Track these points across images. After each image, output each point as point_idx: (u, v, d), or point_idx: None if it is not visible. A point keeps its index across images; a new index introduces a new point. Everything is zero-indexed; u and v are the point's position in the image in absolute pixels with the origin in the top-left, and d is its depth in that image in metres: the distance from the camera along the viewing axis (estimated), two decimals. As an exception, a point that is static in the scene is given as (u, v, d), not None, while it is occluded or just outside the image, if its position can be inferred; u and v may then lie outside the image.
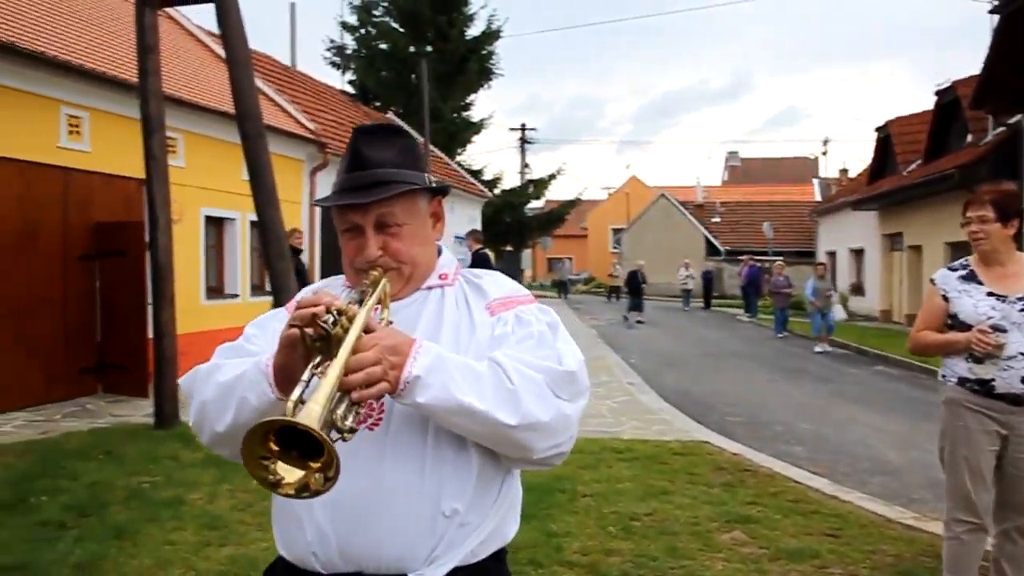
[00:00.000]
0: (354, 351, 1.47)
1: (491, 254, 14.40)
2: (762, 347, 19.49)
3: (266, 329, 1.86)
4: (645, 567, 4.83)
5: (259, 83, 13.27)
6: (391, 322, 1.69)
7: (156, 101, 8.85)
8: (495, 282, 1.88)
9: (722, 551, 5.12)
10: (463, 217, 26.95)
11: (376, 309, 1.68)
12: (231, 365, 1.73)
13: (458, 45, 33.12)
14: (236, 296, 14.20)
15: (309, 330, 1.49)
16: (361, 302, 1.63)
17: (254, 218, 8.69)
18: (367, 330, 1.54)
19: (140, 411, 9.58)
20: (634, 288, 25.54)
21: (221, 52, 16.09)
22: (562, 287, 40.84)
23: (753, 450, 8.12)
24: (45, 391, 10.08)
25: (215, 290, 13.97)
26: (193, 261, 12.73)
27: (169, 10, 14.68)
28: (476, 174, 33.89)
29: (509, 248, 39.06)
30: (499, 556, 1.80)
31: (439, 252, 1.90)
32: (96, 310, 10.95)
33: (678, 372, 14.71)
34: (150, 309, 9.60)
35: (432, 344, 1.61)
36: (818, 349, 18.37)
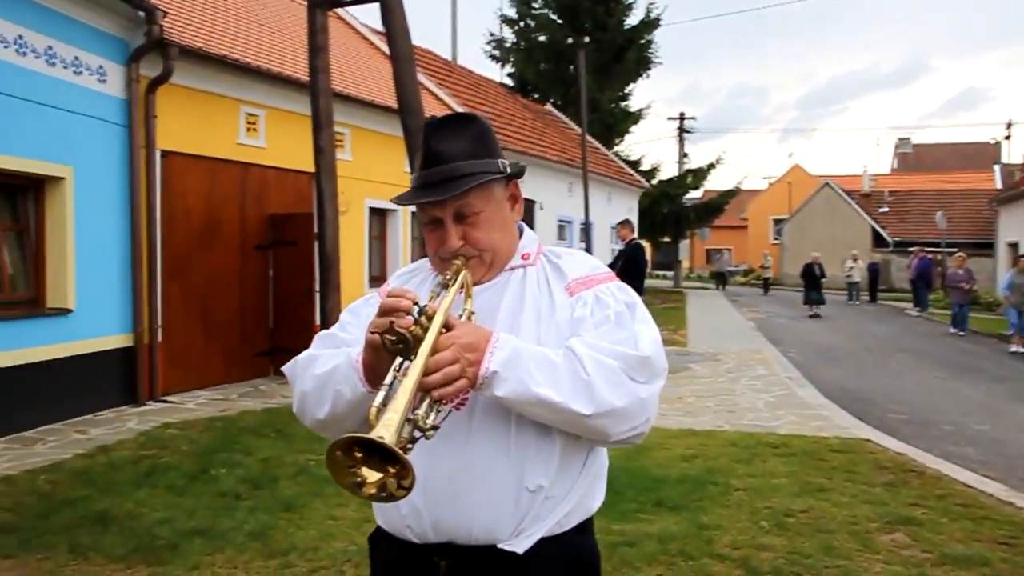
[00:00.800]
0: (433, 351, 1.54)
1: (645, 244, 14.28)
2: (933, 343, 18.45)
3: (360, 315, 1.95)
4: (798, 564, 4.73)
5: (421, 78, 13.67)
6: (472, 313, 1.75)
7: (325, 98, 9.27)
8: (575, 261, 1.90)
9: (881, 552, 4.94)
10: (621, 208, 26.85)
11: (460, 295, 1.75)
12: (326, 356, 1.83)
13: (616, 35, 32.91)
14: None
15: (389, 335, 1.56)
16: (446, 287, 1.72)
17: (415, 209, 8.96)
18: (446, 327, 1.61)
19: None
20: (811, 281, 24.73)
21: (385, 49, 16.70)
22: (720, 278, 39.98)
23: (919, 450, 7.75)
24: (224, 372, 10.80)
25: (378, 279, 14.52)
26: (358, 250, 13.29)
27: (338, 10, 15.32)
28: (634, 164, 33.63)
29: (666, 239, 38.57)
30: (585, 527, 1.84)
31: (521, 232, 1.94)
32: (269, 297, 11.63)
33: (839, 367, 14.17)
34: (317, 296, 10.12)
35: (509, 337, 1.67)
36: (1013, 349, 16.85)
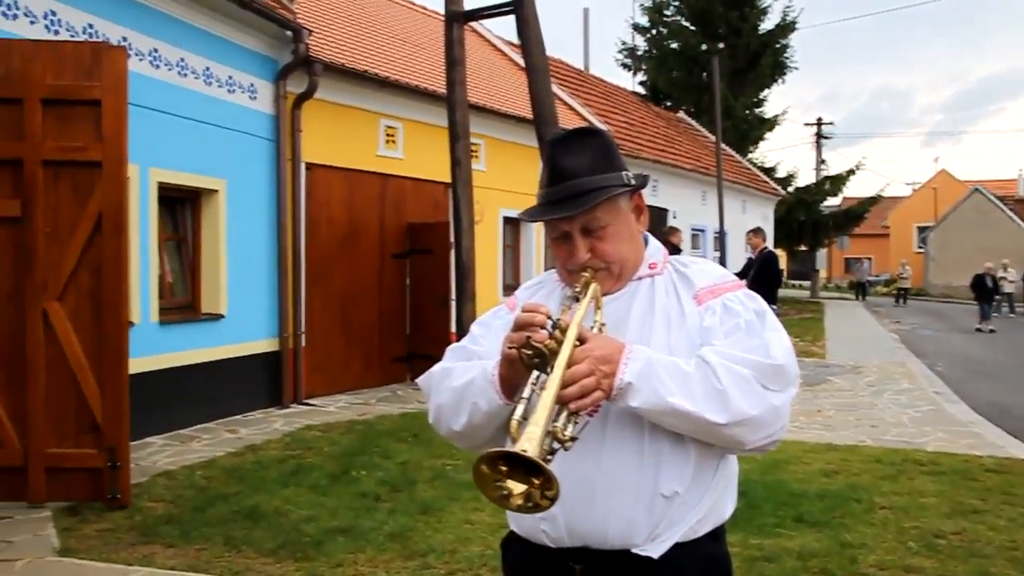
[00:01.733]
0: (568, 364, 1.57)
1: (779, 253, 13.90)
2: (1099, 359, 17.23)
3: (490, 327, 1.98)
4: (950, 588, 4.53)
5: (554, 88, 13.79)
6: (603, 324, 1.76)
7: (461, 110, 9.48)
8: (702, 270, 1.90)
9: (1043, 580, 4.67)
10: (755, 216, 26.26)
11: (590, 307, 1.77)
12: (460, 369, 1.87)
13: (751, 40, 32.24)
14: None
15: (525, 350, 1.59)
16: (576, 300, 1.75)
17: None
18: (580, 339, 1.64)
19: (443, 398, 10.31)
20: (984, 293, 23.38)
21: (519, 60, 16.91)
22: (860, 289, 38.47)
23: (1085, 473, 7.26)
24: (363, 377, 11.15)
25: (512, 288, 14.68)
26: (492, 259, 13.50)
27: (473, 24, 15.63)
28: (769, 172, 32.84)
29: (803, 248, 37.45)
30: (718, 534, 1.84)
31: (646, 242, 1.94)
32: (406, 304, 11.95)
33: (992, 382, 13.42)
34: (453, 304, 10.34)
35: (642, 349, 1.68)
36: None
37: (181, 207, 8.85)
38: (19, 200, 5.57)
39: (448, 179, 9.58)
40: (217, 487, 6.27)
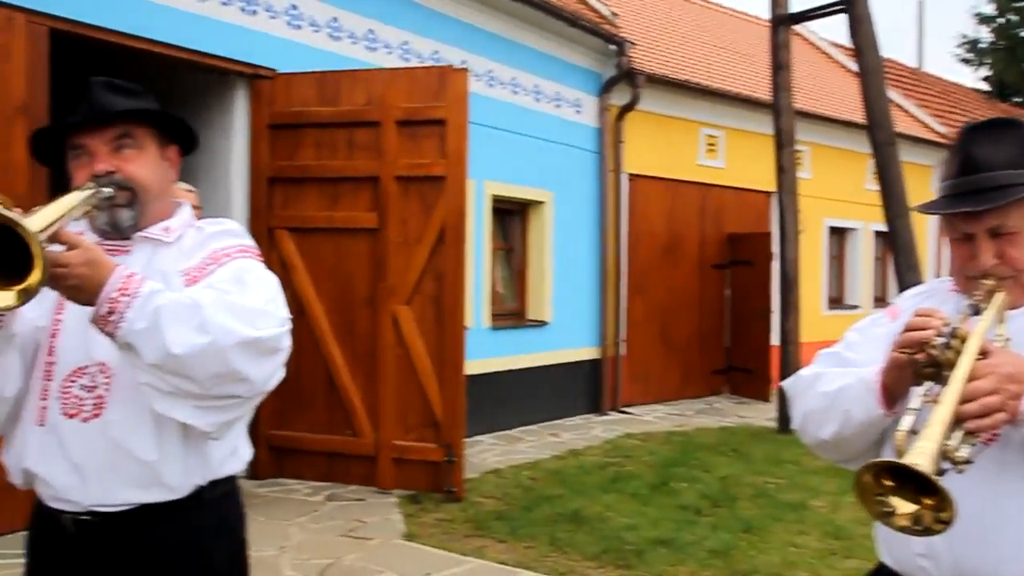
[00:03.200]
0: (969, 378, 1.39)
1: None
2: None
3: (868, 335, 1.82)
4: None
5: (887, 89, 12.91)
6: (1008, 339, 1.56)
7: (787, 116, 9.15)
8: None
9: None
10: None
11: (994, 319, 1.56)
12: (833, 375, 1.74)
13: None
14: (857, 307, 13.98)
15: (918, 356, 1.44)
16: (976, 312, 1.54)
17: (878, 227, 8.51)
18: (982, 353, 1.45)
19: (763, 414, 9.99)
20: None
21: (845, 62, 16.03)
22: None
23: None
24: (680, 388, 11.09)
25: (836, 300, 13.95)
26: (815, 271, 12.88)
27: (796, 26, 15.05)
28: None
29: None
30: None
31: None
32: (726, 316, 11.72)
33: None
34: (774, 317, 10.01)
35: None
36: None
37: (511, 218, 9.32)
38: (376, 213, 6.15)
39: (770, 188, 9.30)
40: (542, 488, 6.51)
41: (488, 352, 8.29)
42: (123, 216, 1.80)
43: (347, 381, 6.24)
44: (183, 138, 1.96)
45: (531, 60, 8.94)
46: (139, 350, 1.56)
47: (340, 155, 6.25)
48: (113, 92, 1.81)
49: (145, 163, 1.82)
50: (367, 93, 6.18)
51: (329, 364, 6.27)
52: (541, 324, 9.21)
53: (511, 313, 9.20)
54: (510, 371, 8.67)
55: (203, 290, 1.68)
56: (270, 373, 1.70)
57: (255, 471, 6.35)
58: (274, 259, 6.35)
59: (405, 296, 6.13)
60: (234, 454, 1.87)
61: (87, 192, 1.70)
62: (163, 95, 6.66)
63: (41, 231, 1.42)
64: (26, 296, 1.41)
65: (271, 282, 1.81)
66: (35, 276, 1.39)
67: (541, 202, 9.22)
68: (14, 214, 1.37)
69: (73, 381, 1.72)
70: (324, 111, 6.27)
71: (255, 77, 6.38)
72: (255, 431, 6.17)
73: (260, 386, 1.69)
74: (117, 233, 1.82)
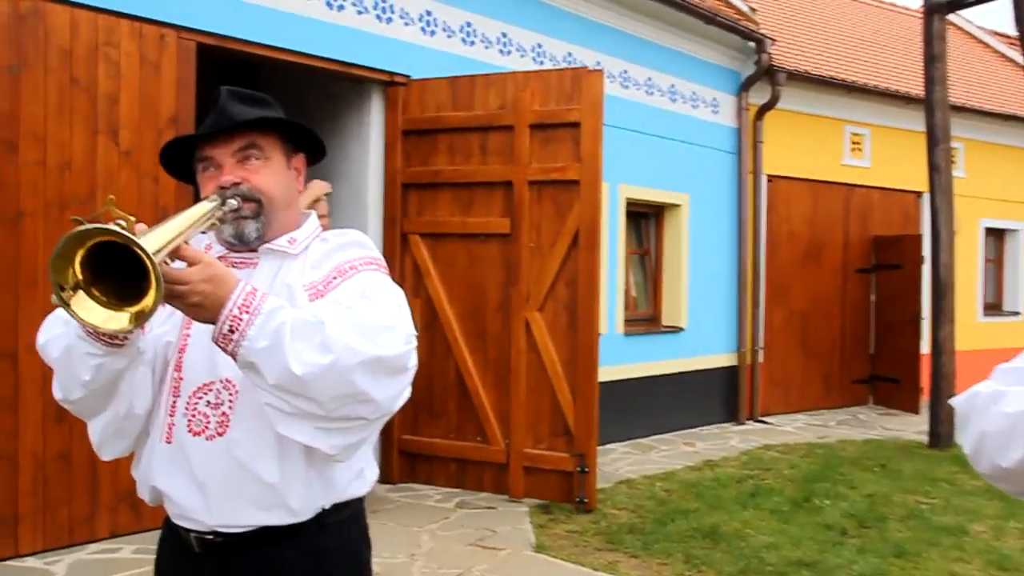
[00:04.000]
0: None
1: None
2: None
3: None
4: None
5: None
6: None
7: (942, 111, 8.61)
8: None
9: None
10: None
11: None
12: (1019, 395, 1.51)
13: None
14: (1017, 314, 13.09)
15: None
16: None
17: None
18: None
19: (911, 427, 9.45)
20: None
21: (1007, 52, 15.03)
22: None
23: None
24: (821, 397, 10.62)
25: (993, 307, 13.08)
26: (970, 275, 12.10)
27: (950, 15, 14.21)
28: None
29: None
30: None
31: None
32: (870, 322, 11.15)
33: None
34: (924, 324, 9.44)
35: None
36: None
37: (646, 222, 9.13)
38: (509, 218, 6.09)
39: (920, 187, 8.78)
40: (676, 501, 6.31)
41: (621, 359, 8.13)
42: (249, 228, 1.76)
43: (479, 387, 6.21)
44: (310, 146, 1.93)
45: (667, 59, 8.73)
46: (260, 370, 1.50)
47: (473, 160, 6.23)
48: (240, 102, 1.78)
49: (271, 173, 1.79)
50: (500, 97, 6.14)
51: (461, 370, 6.26)
52: (676, 330, 8.98)
53: (645, 319, 9.01)
54: (643, 378, 8.48)
55: (327, 306, 1.61)
56: (396, 393, 1.62)
57: (387, 476, 6.41)
58: (408, 264, 6.41)
59: (538, 302, 6.05)
60: (359, 476, 1.82)
61: (210, 205, 1.67)
62: (302, 104, 6.86)
63: (158, 250, 1.37)
64: (139, 319, 1.37)
65: (397, 296, 1.73)
66: (149, 298, 1.34)
67: (677, 205, 8.99)
68: (129, 233, 1.32)
69: (200, 398, 1.69)
70: (457, 116, 6.26)
71: (390, 84, 6.43)
72: (388, 436, 6.25)
73: (385, 407, 1.61)
74: (243, 245, 1.79)
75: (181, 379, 1.72)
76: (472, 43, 6.91)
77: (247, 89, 1.85)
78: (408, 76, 6.40)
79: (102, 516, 4.90)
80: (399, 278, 6.41)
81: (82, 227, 1.32)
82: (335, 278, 1.74)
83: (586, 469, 5.91)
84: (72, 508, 4.73)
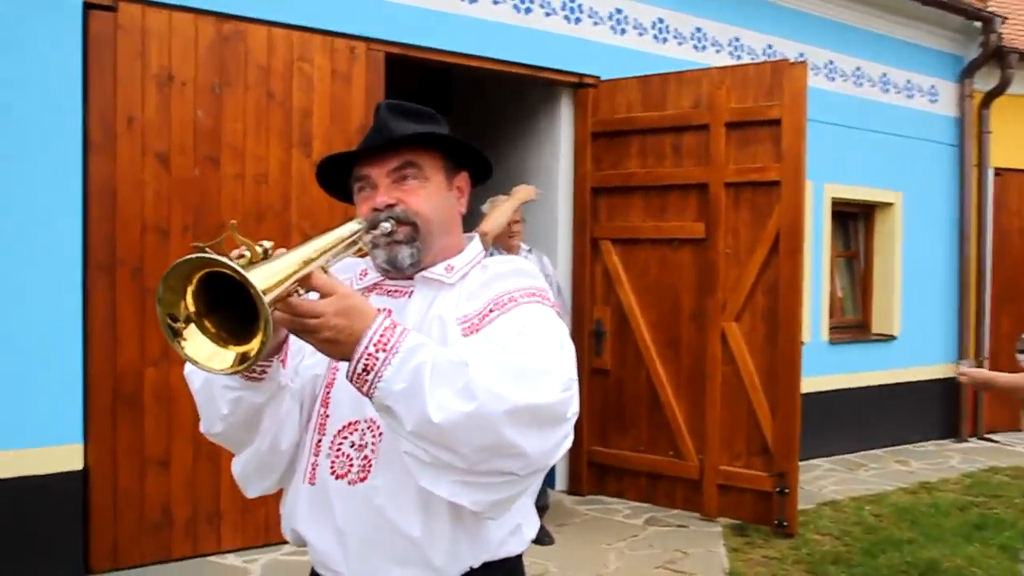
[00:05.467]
0: None
1: None
2: None
3: None
4: None
5: None
6: None
7: None
8: None
9: None
10: None
11: None
12: None
13: None
14: None
15: None
16: None
17: None
18: None
19: None
20: None
21: None
22: None
23: None
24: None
25: None
26: None
27: None
28: None
29: None
30: None
31: None
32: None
33: None
34: None
35: None
36: None
37: (853, 222, 8.50)
38: (703, 223, 5.79)
39: None
40: (888, 529, 5.78)
41: (826, 369, 7.60)
42: (403, 254, 1.62)
43: (671, 399, 5.94)
44: (475, 164, 1.76)
45: (877, 47, 8.07)
46: (397, 414, 1.34)
47: (666, 162, 5.96)
48: (401, 117, 1.65)
49: (428, 195, 1.64)
50: (694, 95, 5.84)
51: (653, 380, 6.01)
52: (887, 338, 8.30)
53: (853, 326, 8.40)
54: (850, 389, 7.89)
55: (477, 344, 1.45)
56: (551, 447, 1.41)
57: (577, 487, 6.28)
58: (599, 271, 6.24)
59: (735, 312, 5.71)
60: (516, 533, 1.63)
61: (352, 228, 1.54)
62: (493, 110, 6.83)
63: (277, 284, 1.22)
64: (243, 362, 1.24)
65: (559, 334, 1.53)
66: (256, 341, 1.21)
67: (889, 203, 8.30)
68: (240, 266, 1.18)
69: (344, 437, 1.57)
70: (649, 116, 6.01)
71: (579, 86, 6.27)
72: (578, 446, 6.08)
73: (538, 462, 1.40)
74: (397, 272, 1.65)
75: (327, 416, 1.60)
76: (665, 40, 6.63)
77: (412, 103, 1.72)
78: (598, 77, 6.22)
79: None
80: (589, 285, 6.25)
81: (190, 257, 1.20)
82: (491, 311, 1.56)
83: (786, 490, 5.52)
84: (268, 509, 4.87)
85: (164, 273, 1.21)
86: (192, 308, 1.24)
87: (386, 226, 1.59)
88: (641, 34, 6.50)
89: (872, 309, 8.46)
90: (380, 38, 5.26)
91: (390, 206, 1.60)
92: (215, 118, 4.74)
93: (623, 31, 6.39)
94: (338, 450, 1.57)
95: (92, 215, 4.45)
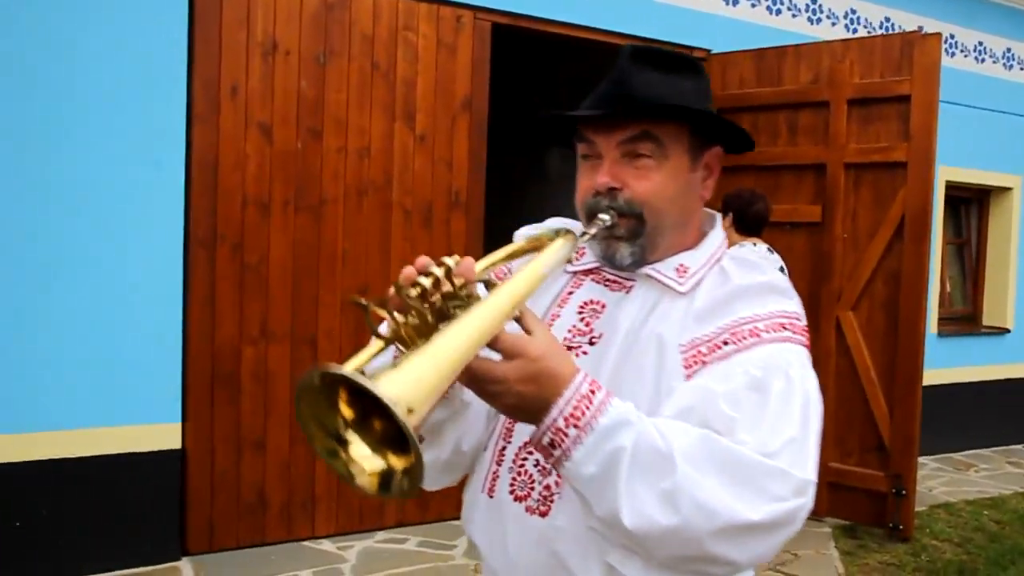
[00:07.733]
0: None
1: None
2: None
3: None
4: None
5: None
6: None
7: None
8: None
9: None
10: None
11: None
12: None
13: None
14: None
15: None
16: None
17: None
18: None
19: None
20: None
21: None
22: None
23: None
24: None
25: None
26: None
27: None
28: None
29: None
30: None
31: None
32: None
33: None
34: None
35: None
36: None
37: (966, 207, 8.03)
38: (820, 205, 5.45)
39: None
40: (1013, 537, 5.41)
41: (933, 362, 7.12)
42: (622, 252, 1.33)
43: (779, 391, 5.64)
44: (730, 135, 1.41)
45: (1001, 19, 7.56)
46: (585, 498, 1.13)
47: (780, 140, 5.63)
48: (648, 67, 1.33)
49: (665, 180, 1.32)
50: (813, 69, 5.49)
51: (759, 371, 5.71)
52: (1001, 331, 7.83)
53: (962, 318, 7.94)
54: (959, 384, 7.46)
55: (692, 405, 1.18)
56: (767, 551, 1.16)
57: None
58: (703, 254, 5.94)
59: (852, 300, 5.37)
60: None
61: (560, 253, 1.27)
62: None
63: (422, 399, 0.90)
64: (382, 483, 0.94)
65: (807, 394, 1.22)
66: (399, 463, 0.93)
67: (1007, 188, 7.80)
68: (365, 379, 0.86)
69: (531, 452, 1.31)
70: (763, 92, 5.67)
71: (688, 59, 5.96)
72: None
73: (747, 567, 1.17)
74: (615, 269, 1.39)
75: (514, 425, 1.37)
76: (779, 11, 6.26)
77: (665, 48, 1.41)
78: (708, 50, 5.90)
79: (390, 504, 4.88)
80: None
81: (314, 373, 0.90)
82: (725, 343, 1.26)
83: (903, 492, 5.19)
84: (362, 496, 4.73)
85: (300, 389, 0.91)
86: (350, 415, 0.94)
87: (605, 218, 1.30)
88: (754, 6, 6.14)
89: (983, 301, 7.99)
90: (487, 6, 5.02)
91: (613, 190, 1.31)
92: (318, 88, 4.57)
93: (735, 2, 6.05)
94: (521, 466, 1.34)
95: (193, 188, 4.32)
